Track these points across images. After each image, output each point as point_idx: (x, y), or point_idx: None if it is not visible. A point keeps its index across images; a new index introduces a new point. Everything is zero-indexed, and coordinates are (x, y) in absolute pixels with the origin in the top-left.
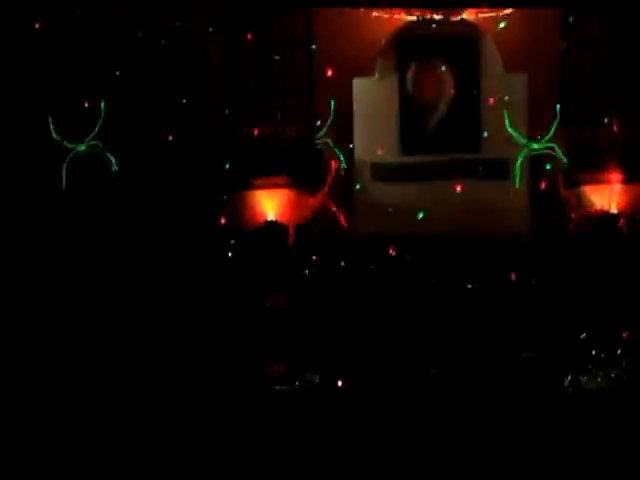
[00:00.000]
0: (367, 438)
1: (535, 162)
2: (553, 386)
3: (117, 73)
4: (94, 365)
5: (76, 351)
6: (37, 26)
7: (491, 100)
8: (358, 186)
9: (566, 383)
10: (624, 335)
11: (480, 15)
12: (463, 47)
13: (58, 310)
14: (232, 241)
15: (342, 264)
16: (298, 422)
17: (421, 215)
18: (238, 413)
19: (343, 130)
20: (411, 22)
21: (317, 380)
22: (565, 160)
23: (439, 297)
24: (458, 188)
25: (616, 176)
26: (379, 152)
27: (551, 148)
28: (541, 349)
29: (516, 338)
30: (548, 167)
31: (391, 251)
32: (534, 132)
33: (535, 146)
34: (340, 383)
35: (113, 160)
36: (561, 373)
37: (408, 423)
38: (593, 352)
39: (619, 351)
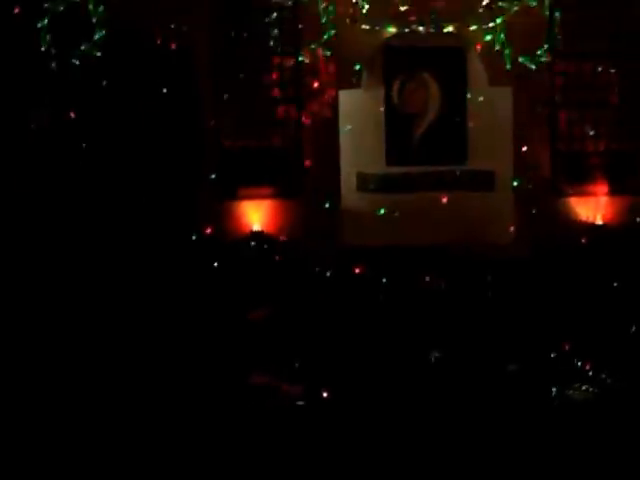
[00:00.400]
0: (353, 449)
1: (521, 173)
2: (540, 398)
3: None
4: (71, 380)
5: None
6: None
7: (477, 112)
8: (344, 197)
9: (553, 395)
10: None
11: (466, 27)
12: (449, 59)
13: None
14: (217, 251)
15: (328, 274)
16: (284, 434)
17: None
18: (222, 425)
19: (329, 141)
20: (397, 34)
21: (301, 392)
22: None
23: (424, 308)
24: (444, 199)
25: (602, 188)
26: (365, 163)
27: (537, 157)
28: (527, 361)
29: (502, 350)
30: (534, 178)
31: (376, 262)
32: (519, 145)
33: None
34: (325, 394)
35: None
36: (548, 385)
37: (394, 434)
38: (579, 364)
39: (606, 363)
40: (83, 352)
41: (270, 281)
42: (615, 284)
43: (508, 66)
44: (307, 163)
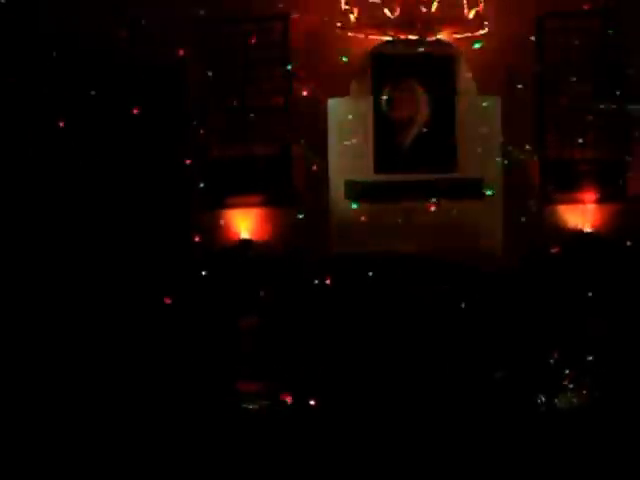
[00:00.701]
0: (340, 456)
1: (510, 181)
2: (526, 405)
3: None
4: (60, 384)
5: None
6: None
7: (465, 120)
8: (332, 205)
9: (539, 402)
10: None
11: (455, 36)
12: (438, 67)
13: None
14: (206, 259)
15: (316, 282)
16: (270, 441)
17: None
18: (210, 431)
19: (318, 149)
20: (386, 42)
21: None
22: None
23: (413, 316)
24: (432, 207)
25: (590, 195)
26: (354, 171)
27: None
28: (514, 368)
29: (489, 357)
30: (523, 186)
31: (365, 269)
32: (508, 152)
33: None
34: (313, 402)
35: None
36: (534, 392)
37: (382, 442)
38: (566, 371)
39: (591, 370)
40: (72, 357)
41: (259, 289)
42: (603, 292)
43: None
44: (295, 171)
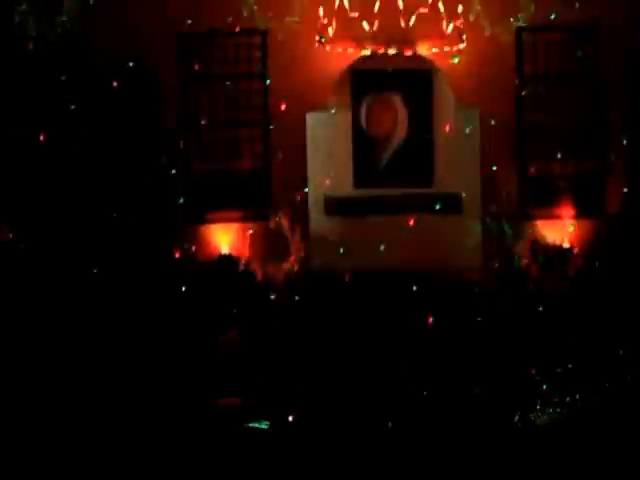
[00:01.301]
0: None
1: (488, 196)
2: (503, 422)
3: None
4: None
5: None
6: None
7: (444, 134)
8: (311, 220)
9: (516, 419)
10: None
11: (434, 50)
12: (416, 82)
13: None
14: (186, 274)
15: (296, 297)
16: (250, 456)
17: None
18: (189, 445)
19: (297, 164)
20: (365, 56)
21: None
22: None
23: (391, 331)
24: (411, 222)
25: (569, 211)
26: (333, 186)
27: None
28: (491, 385)
29: (466, 373)
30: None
31: (344, 284)
32: (486, 166)
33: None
34: (291, 418)
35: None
36: (511, 409)
37: (360, 458)
38: (544, 387)
39: (569, 387)
40: (51, 372)
41: (239, 304)
42: (580, 307)
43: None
44: (275, 187)
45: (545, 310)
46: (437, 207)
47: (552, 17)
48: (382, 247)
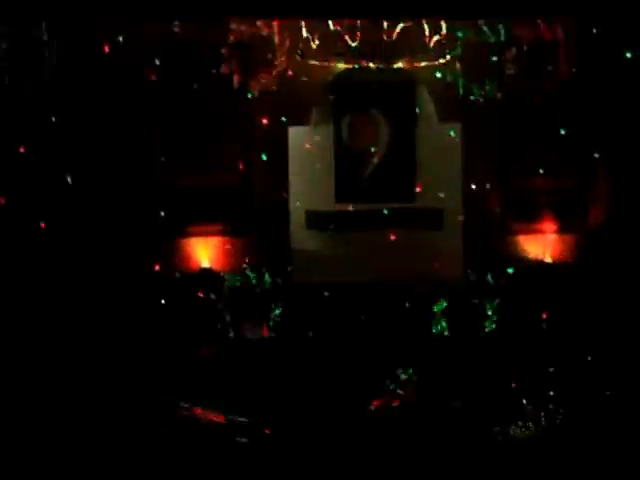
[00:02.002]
0: None
1: (470, 211)
2: (482, 435)
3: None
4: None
5: None
6: None
7: (426, 149)
8: (293, 234)
9: (495, 432)
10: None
11: (416, 64)
12: (398, 96)
13: None
14: (166, 287)
15: (277, 312)
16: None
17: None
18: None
19: (279, 178)
20: (347, 70)
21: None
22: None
23: (372, 344)
24: (392, 237)
25: (551, 226)
26: (314, 200)
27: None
28: (471, 398)
29: (447, 386)
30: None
31: (325, 298)
32: (468, 182)
33: None
34: (269, 430)
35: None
36: (490, 423)
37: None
38: (524, 402)
39: (548, 402)
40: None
41: (219, 317)
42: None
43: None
44: (256, 201)
45: (525, 324)
46: (418, 222)
47: (535, 31)
48: (363, 261)
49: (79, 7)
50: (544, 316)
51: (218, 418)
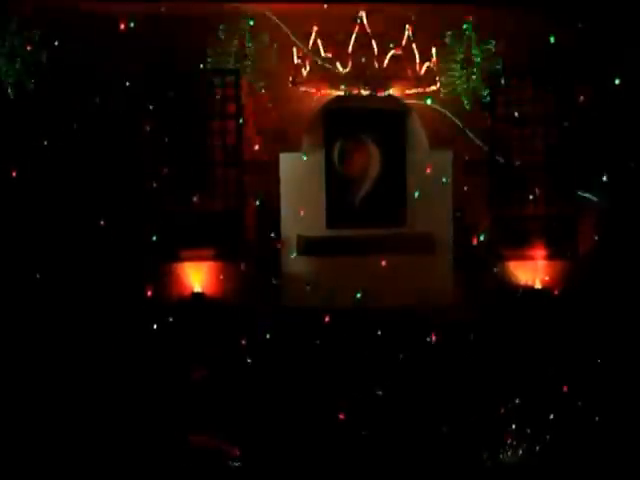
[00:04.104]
0: None
1: (460, 237)
2: (471, 460)
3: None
4: None
5: None
6: None
7: (417, 175)
8: (284, 259)
9: (484, 457)
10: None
11: (407, 91)
12: (389, 122)
13: None
14: (158, 312)
15: (267, 336)
16: None
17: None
18: None
19: (270, 203)
20: (338, 97)
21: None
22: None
23: (361, 368)
24: (383, 262)
25: (540, 252)
26: (305, 226)
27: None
28: (460, 423)
29: (435, 411)
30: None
31: (316, 324)
32: (458, 207)
33: None
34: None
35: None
36: (479, 447)
37: None
38: (513, 426)
39: (537, 426)
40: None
41: (210, 341)
42: (552, 346)
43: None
44: (248, 226)
45: (515, 348)
46: (408, 247)
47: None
48: (354, 286)
49: None
50: (533, 340)
51: (211, 443)
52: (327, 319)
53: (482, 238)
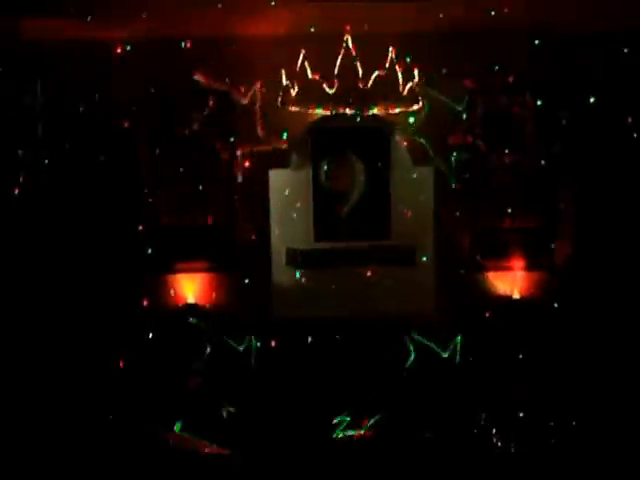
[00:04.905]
0: None
1: (441, 249)
2: (454, 465)
3: (44, 159)
4: None
5: None
6: None
7: (400, 191)
8: (274, 271)
9: (467, 462)
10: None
11: (390, 111)
12: (374, 141)
13: None
14: (153, 322)
15: (258, 344)
16: None
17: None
18: None
19: (260, 218)
20: (324, 116)
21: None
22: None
23: (348, 377)
24: (368, 273)
25: (518, 263)
26: (294, 239)
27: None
28: (444, 429)
29: (419, 418)
30: (454, 253)
31: (304, 333)
32: (440, 221)
33: None
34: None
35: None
36: (462, 453)
37: None
38: (494, 431)
39: (519, 433)
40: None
41: (204, 351)
42: (530, 356)
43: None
44: (239, 239)
45: (496, 358)
46: (392, 259)
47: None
48: (340, 297)
49: None
50: (512, 347)
51: (203, 446)
52: (315, 327)
53: (462, 250)
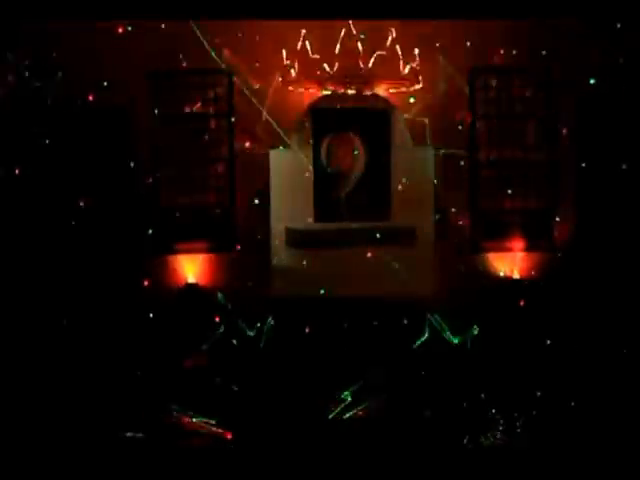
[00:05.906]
0: None
1: (441, 229)
2: (453, 444)
3: (45, 142)
4: None
5: None
6: None
7: (400, 171)
8: (273, 251)
9: (465, 441)
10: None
11: (391, 90)
12: (374, 121)
13: None
14: (154, 303)
15: (258, 324)
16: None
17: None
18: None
19: (261, 198)
20: (325, 96)
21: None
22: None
23: (348, 356)
24: (368, 254)
25: (519, 244)
26: (294, 219)
27: (456, 214)
28: (442, 408)
29: (417, 397)
30: (454, 234)
31: (304, 313)
32: (440, 202)
33: None
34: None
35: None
36: (461, 431)
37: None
38: (493, 411)
39: (517, 413)
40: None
41: (204, 330)
42: (530, 337)
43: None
44: (239, 219)
45: (496, 337)
46: (392, 239)
47: (505, 58)
48: (340, 277)
49: None
50: (512, 328)
51: (203, 426)
52: (314, 307)
53: (462, 231)
